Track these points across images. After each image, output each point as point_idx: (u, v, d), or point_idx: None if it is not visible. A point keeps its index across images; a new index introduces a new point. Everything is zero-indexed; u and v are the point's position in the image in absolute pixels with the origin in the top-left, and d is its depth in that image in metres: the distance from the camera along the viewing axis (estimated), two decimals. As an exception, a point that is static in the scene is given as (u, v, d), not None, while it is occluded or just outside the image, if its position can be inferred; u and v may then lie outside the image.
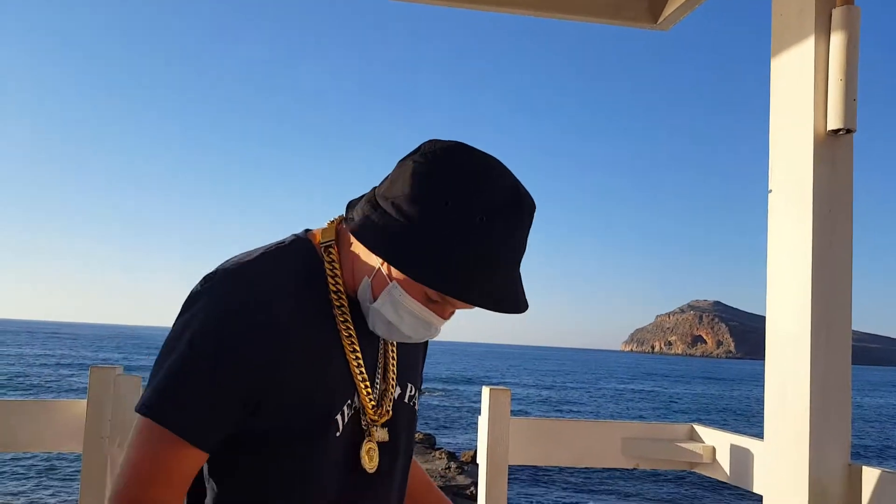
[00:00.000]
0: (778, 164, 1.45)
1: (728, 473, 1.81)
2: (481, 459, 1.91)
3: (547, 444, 1.99)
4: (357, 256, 1.13)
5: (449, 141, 1.09)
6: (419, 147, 1.10)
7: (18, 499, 13.28)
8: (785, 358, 1.40)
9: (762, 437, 1.50)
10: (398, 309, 1.08)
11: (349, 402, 1.14)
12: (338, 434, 1.12)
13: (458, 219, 1.01)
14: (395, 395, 1.23)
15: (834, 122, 1.35)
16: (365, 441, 1.16)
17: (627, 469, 2.02)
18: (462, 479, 13.69)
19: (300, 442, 1.09)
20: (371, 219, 1.06)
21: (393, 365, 1.23)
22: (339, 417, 1.13)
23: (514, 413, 1.90)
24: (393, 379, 1.22)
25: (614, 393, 56.93)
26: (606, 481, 18.39)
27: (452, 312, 1.12)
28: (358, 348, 1.15)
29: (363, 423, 1.16)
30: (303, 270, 1.13)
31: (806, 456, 1.33)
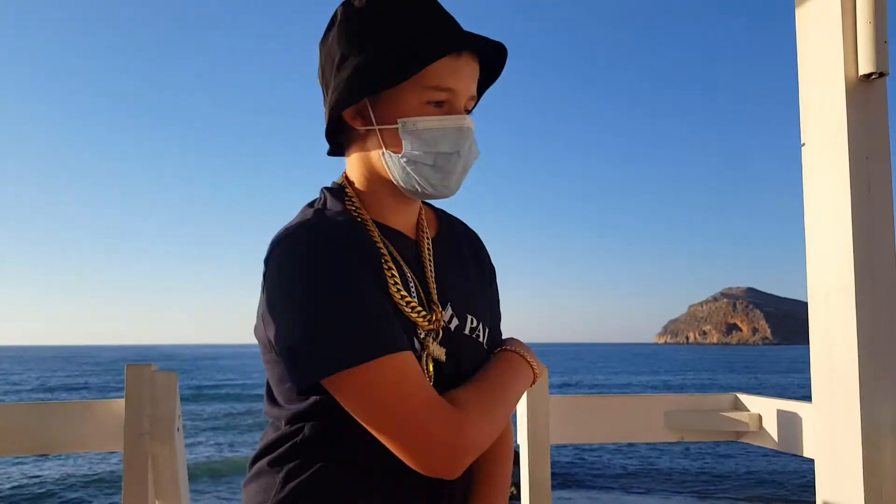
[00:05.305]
0: (809, 116, 1.40)
1: (776, 440, 1.77)
2: (521, 440, 1.89)
3: (588, 422, 1.96)
4: (363, 168, 1.14)
5: None
6: None
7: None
8: (830, 314, 1.35)
9: (810, 401, 1.46)
10: (422, 135, 1.06)
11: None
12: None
13: (384, 19, 1.07)
14: (452, 325, 1.14)
15: (865, 66, 1.30)
16: (424, 354, 1.08)
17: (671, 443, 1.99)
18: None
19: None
20: (331, 98, 1.10)
21: (431, 281, 1.15)
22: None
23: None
24: (432, 292, 1.13)
25: (650, 385, 56.41)
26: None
27: (466, 105, 1.10)
28: (393, 267, 1.09)
29: (420, 337, 1.09)
30: (340, 212, 1.12)
31: (857, 414, 1.28)
